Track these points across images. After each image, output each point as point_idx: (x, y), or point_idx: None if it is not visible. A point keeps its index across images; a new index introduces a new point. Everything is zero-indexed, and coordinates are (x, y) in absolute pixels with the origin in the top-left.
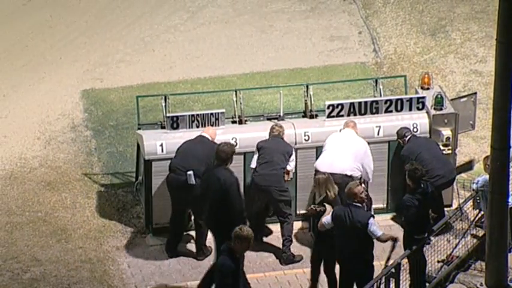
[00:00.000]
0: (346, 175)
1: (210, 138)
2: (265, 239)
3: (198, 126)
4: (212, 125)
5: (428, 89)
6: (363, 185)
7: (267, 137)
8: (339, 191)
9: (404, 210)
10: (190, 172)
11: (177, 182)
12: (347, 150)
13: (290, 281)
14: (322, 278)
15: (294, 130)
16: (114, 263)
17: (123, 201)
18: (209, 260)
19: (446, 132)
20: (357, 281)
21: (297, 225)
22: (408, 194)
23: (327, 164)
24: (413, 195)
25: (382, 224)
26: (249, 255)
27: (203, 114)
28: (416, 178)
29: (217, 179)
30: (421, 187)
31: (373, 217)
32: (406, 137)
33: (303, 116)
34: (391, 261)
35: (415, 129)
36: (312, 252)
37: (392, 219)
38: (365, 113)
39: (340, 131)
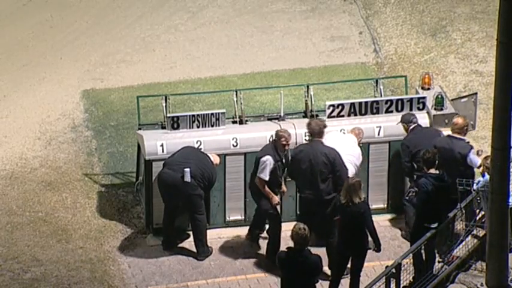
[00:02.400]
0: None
1: (212, 160)
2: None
3: (198, 127)
4: (213, 125)
5: (428, 89)
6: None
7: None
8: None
9: (418, 194)
10: (188, 169)
11: (172, 178)
12: (346, 155)
13: None
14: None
15: (295, 130)
16: (114, 263)
17: (123, 201)
18: (210, 260)
19: (447, 132)
20: None
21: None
22: (423, 177)
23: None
24: (428, 179)
25: (382, 224)
26: (249, 255)
27: (204, 114)
28: (425, 161)
29: (320, 153)
30: (438, 173)
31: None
32: (411, 124)
33: (304, 116)
34: None
35: None
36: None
37: (391, 220)
38: (365, 113)
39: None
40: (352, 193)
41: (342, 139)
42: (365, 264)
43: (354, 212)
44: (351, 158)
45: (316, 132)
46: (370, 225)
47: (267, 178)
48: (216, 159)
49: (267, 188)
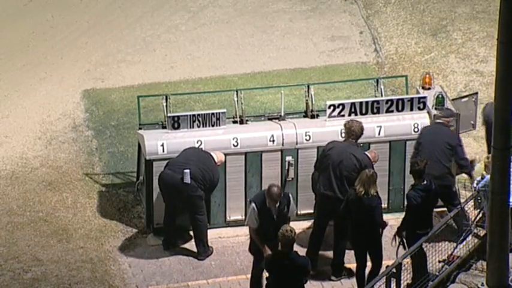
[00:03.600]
0: None
1: (216, 158)
2: None
3: (199, 126)
4: (213, 125)
5: (429, 89)
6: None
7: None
8: None
9: (408, 206)
10: (187, 170)
11: (172, 179)
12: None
13: None
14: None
15: (295, 130)
16: (115, 263)
17: (124, 201)
18: (210, 260)
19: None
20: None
21: (298, 225)
22: (412, 189)
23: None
24: (416, 191)
25: None
26: (250, 255)
27: (204, 114)
28: (415, 172)
29: (353, 156)
30: (424, 182)
31: None
32: (451, 119)
33: (304, 116)
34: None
35: (416, 129)
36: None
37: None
38: (366, 113)
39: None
40: (370, 185)
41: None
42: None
43: (367, 205)
44: None
45: (355, 134)
46: (380, 221)
47: (253, 225)
48: (219, 157)
49: (257, 236)
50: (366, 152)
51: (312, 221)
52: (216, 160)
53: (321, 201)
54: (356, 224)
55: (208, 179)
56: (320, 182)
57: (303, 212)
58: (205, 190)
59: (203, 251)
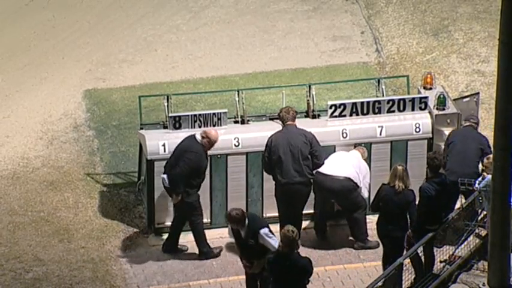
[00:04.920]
0: (347, 178)
1: (200, 140)
2: None
3: (200, 126)
4: (214, 125)
5: (430, 89)
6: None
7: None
8: (337, 195)
9: (420, 198)
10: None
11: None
12: (350, 161)
13: None
14: (325, 275)
15: None
16: (116, 263)
17: (125, 201)
18: (212, 260)
19: (449, 132)
20: None
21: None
22: (426, 182)
23: (328, 167)
24: (431, 184)
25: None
26: None
27: (205, 114)
28: (433, 167)
29: (299, 134)
30: (440, 177)
31: None
32: (466, 122)
33: (305, 116)
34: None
35: (417, 129)
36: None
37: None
38: (367, 113)
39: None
40: (406, 178)
41: (347, 154)
42: (367, 264)
43: (402, 200)
44: (361, 173)
45: (288, 118)
46: (414, 214)
47: (230, 237)
48: (211, 136)
49: (237, 248)
50: (356, 149)
51: (311, 221)
52: (206, 140)
53: (286, 192)
54: (389, 219)
55: (194, 171)
56: (280, 174)
57: (304, 212)
58: (193, 189)
59: (204, 252)
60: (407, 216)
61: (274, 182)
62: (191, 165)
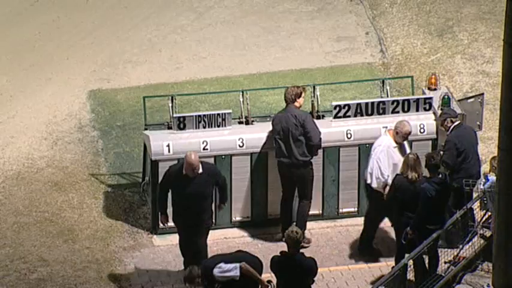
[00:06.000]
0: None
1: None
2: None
3: (204, 127)
4: (219, 126)
5: (435, 89)
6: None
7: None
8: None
9: (421, 198)
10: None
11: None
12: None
13: None
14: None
15: None
16: (120, 264)
17: (129, 201)
18: None
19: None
20: None
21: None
22: (426, 182)
23: None
24: (431, 184)
25: (388, 224)
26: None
27: (210, 114)
28: (432, 166)
29: (291, 115)
30: (439, 177)
31: None
32: (456, 120)
33: None
34: None
35: (421, 130)
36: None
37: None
38: (372, 114)
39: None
40: (418, 167)
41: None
42: (371, 264)
43: (418, 188)
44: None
45: (289, 98)
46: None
47: None
48: (191, 160)
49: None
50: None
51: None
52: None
53: (281, 169)
54: (409, 208)
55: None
56: (277, 152)
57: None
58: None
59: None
60: None
61: (279, 182)
62: None
